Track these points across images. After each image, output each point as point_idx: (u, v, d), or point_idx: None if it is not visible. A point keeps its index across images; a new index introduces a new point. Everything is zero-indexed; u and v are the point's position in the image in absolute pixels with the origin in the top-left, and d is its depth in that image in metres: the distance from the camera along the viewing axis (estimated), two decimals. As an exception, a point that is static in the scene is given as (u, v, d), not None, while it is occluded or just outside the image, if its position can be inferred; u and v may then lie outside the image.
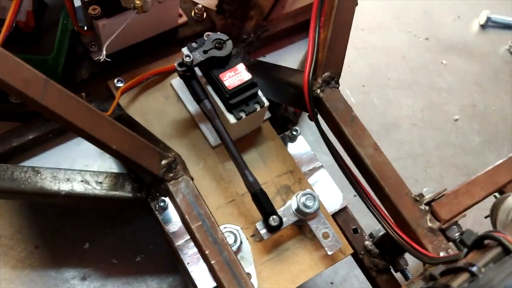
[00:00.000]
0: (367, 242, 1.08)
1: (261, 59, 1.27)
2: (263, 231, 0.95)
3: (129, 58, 1.14)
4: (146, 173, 0.83)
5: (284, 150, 1.12)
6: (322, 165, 1.13)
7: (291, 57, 1.29)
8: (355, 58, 1.66)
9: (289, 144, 1.14)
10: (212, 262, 0.79)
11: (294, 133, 1.14)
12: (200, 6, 1.20)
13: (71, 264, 1.28)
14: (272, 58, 1.28)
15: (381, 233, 1.07)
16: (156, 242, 1.32)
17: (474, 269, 0.54)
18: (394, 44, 1.71)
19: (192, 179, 0.88)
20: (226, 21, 1.22)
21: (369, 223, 1.10)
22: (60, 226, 1.30)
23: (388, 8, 1.77)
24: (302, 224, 1.03)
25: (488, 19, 1.84)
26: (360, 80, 1.63)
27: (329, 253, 0.97)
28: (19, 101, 1.04)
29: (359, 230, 1.09)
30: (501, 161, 0.94)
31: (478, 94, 1.69)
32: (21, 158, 1.05)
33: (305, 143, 1.14)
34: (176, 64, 0.96)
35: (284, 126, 1.16)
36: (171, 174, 0.85)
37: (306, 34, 1.27)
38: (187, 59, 0.95)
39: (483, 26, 1.85)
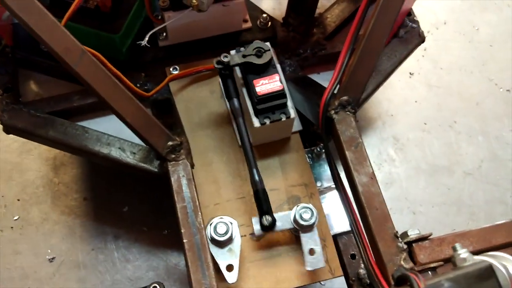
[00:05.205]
0: (361, 271, 1.09)
1: (315, 76, 1.32)
2: (256, 227, 1.01)
3: (190, 51, 1.26)
4: (152, 149, 0.94)
5: (304, 164, 1.16)
6: (339, 187, 1.16)
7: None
8: (425, 95, 1.64)
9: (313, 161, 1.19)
10: (184, 241, 0.88)
11: (321, 150, 1.18)
12: (266, 15, 1.28)
13: (109, 222, 1.44)
14: (325, 77, 1.33)
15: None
16: (183, 221, 1.43)
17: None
18: (471, 89, 1.66)
19: (193, 166, 0.97)
20: (288, 33, 1.30)
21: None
22: (109, 187, 1.47)
23: (474, 52, 1.72)
24: (298, 235, 1.07)
25: None
26: (424, 118, 1.61)
27: (308, 269, 0.99)
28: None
29: (357, 257, 1.11)
30: (502, 221, 0.91)
31: (548, 158, 1.59)
32: (78, 118, 1.21)
33: (328, 162, 1.18)
34: (214, 61, 1.06)
35: (314, 142, 1.21)
36: (173, 156, 0.95)
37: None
38: (224, 59, 1.05)
39: None
